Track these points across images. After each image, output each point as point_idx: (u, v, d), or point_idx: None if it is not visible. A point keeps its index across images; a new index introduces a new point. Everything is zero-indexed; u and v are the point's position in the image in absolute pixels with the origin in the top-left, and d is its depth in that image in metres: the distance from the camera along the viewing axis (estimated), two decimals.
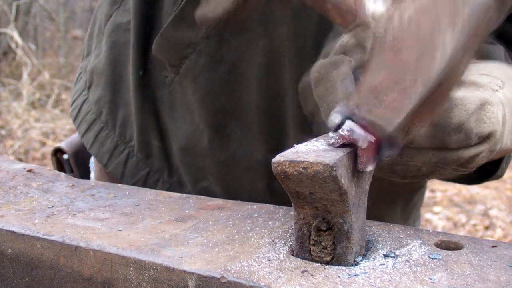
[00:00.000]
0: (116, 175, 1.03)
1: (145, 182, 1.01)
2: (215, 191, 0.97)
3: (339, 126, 0.56)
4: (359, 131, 0.55)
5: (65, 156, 1.19)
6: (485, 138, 0.65)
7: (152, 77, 0.98)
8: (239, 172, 0.95)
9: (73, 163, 1.19)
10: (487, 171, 0.86)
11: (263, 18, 0.87)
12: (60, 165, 1.24)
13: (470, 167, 0.69)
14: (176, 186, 1.00)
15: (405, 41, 0.54)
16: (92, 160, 1.19)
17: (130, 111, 1.01)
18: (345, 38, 0.67)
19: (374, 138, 0.54)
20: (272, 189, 0.94)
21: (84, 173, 1.22)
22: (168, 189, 0.99)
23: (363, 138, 0.54)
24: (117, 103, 1.03)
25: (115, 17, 1.02)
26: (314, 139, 0.61)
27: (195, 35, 0.90)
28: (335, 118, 0.56)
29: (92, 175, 1.19)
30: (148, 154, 1.01)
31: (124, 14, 1.01)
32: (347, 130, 0.55)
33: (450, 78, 0.55)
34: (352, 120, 0.56)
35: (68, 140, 1.26)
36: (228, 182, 0.96)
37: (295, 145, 0.58)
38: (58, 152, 1.22)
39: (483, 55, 0.89)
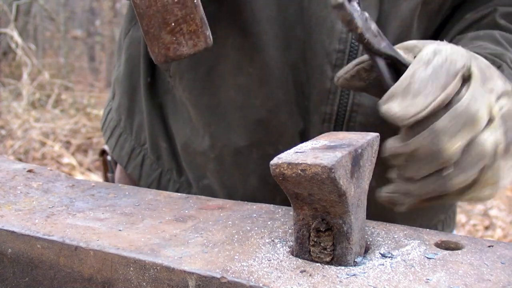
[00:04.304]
0: (134, 176, 1.12)
1: (159, 182, 1.09)
2: (215, 189, 1.03)
3: None
4: None
5: (109, 158, 1.24)
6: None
7: (159, 85, 1.08)
8: (230, 169, 1.00)
9: (114, 165, 1.24)
10: None
11: (232, 16, 0.91)
12: (107, 165, 1.27)
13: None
14: (185, 185, 1.08)
15: None
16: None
17: (143, 116, 1.10)
18: None
19: None
20: (266, 181, 0.98)
21: None
22: (178, 189, 1.07)
23: None
24: (134, 109, 1.13)
25: (132, 32, 1.12)
26: (312, 140, 0.61)
27: None
28: None
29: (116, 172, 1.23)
30: (158, 156, 1.10)
31: (139, 29, 1.08)
32: None
33: None
34: None
35: None
36: (223, 179, 1.01)
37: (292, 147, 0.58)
38: (104, 153, 1.26)
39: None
